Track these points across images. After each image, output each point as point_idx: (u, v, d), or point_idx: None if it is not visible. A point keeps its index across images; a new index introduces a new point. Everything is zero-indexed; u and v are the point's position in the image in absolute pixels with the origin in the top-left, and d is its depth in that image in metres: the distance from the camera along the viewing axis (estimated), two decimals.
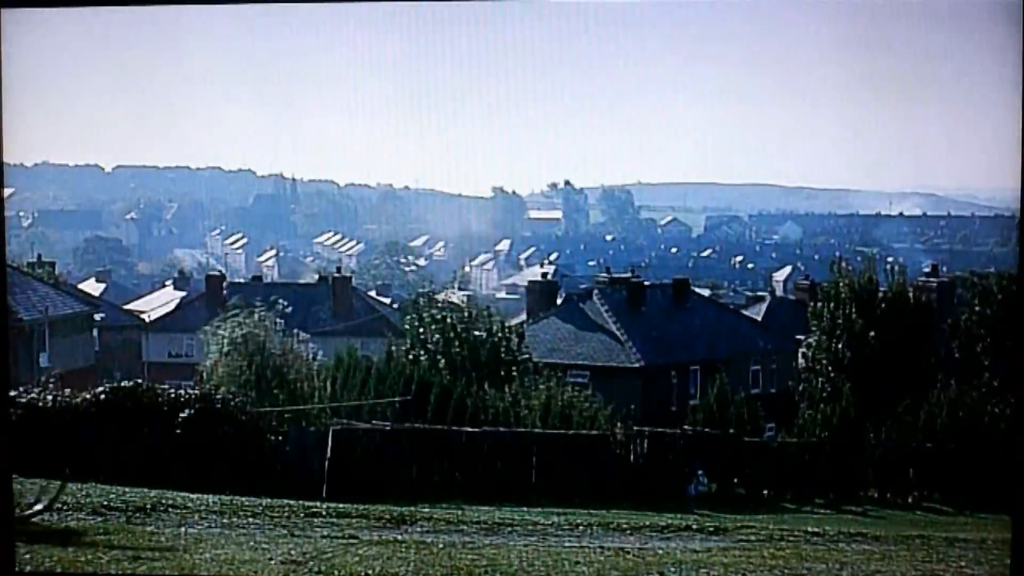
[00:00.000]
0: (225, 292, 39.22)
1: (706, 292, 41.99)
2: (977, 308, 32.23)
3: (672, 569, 10.69)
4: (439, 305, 35.92)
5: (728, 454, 25.59)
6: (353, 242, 47.45)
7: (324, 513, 13.23)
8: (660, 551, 11.78)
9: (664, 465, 24.48)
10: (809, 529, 13.74)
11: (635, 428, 25.93)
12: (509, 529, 14.01)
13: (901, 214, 47.20)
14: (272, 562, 10.71)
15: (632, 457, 24.71)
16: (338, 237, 47.69)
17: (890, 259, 39.73)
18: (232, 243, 51.83)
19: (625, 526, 14.34)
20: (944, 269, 37.14)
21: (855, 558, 11.34)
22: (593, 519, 14.94)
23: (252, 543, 11.35)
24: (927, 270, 36.02)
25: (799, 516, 22.05)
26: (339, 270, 41.98)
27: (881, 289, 32.07)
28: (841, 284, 32.16)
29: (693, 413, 29.94)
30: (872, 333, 31.23)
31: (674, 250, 46.98)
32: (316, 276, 42.72)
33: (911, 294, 32.53)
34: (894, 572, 10.24)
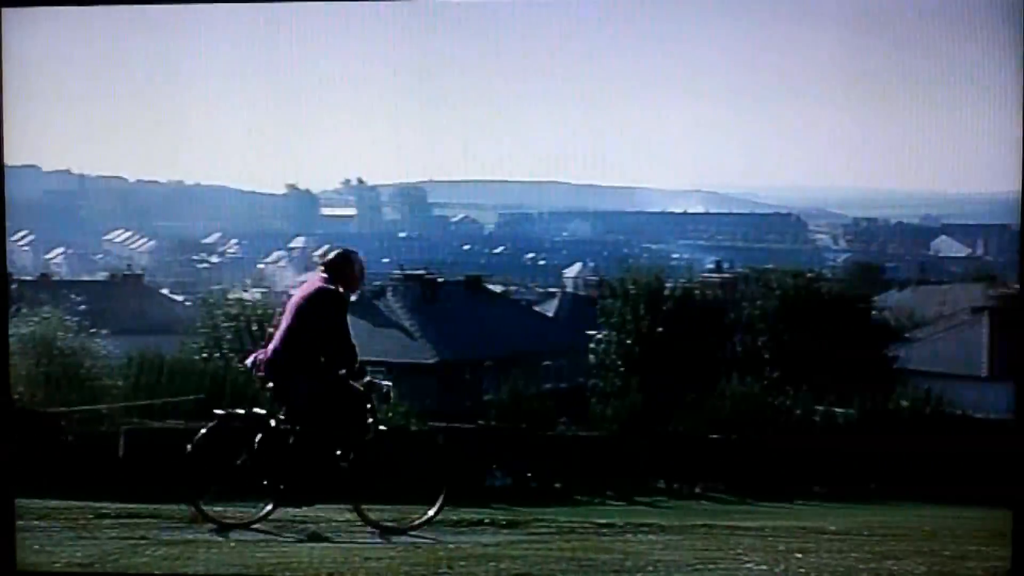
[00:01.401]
0: (12, 290, 38.27)
1: (499, 288, 42.46)
2: (759, 303, 33.52)
3: (462, 563, 10.92)
4: (233, 303, 35.67)
5: (522, 449, 26.14)
6: (144, 239, 46.65)
7: (114, 514, 13.02)
8: (452, 545, 11.99)
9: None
10: (599, 521, 14.15)
11: (430, 424, 26.26)
12: (302, 526, 14.08)
13: (686, 212, 48.36)
14: (56, 565, 10.65)
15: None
16: (129, 234, 46.82)
17: (676, 256, 40.92)
18: (18, 240, 50.55)
19: (418, 522, 14.48)
20: (727, 265, 38.27)
21: (640, 548, 11.76)
22: (386, 514, 15.05)
23: (36, 546, 11.22)
24: (711, 267, 37.08)
25: (591, 508, 22.56)
26: (130, 267, 41.35)
27: (667, 286, 32.95)
28: (629, 281, 32.94)
29: (487, 408, 30.41)
30: (660, 329, 32.07)
31: (467, 247, 47.36)
32: (107, 274, 41.94)
33: (696, 290, 33.55)
34: (676, 560, 10.70)
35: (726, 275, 36.37)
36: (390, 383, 12.09)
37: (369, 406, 11.66)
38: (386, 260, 43.35)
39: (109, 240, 48.00)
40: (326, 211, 48.89)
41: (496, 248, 48.53)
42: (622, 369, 32.28)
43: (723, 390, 28.47)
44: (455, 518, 15.18)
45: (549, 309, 41.53)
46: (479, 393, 34.83)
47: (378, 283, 39.87)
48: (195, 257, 45.71)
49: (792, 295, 33.34)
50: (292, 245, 46.86)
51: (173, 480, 12.01)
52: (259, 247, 45.45)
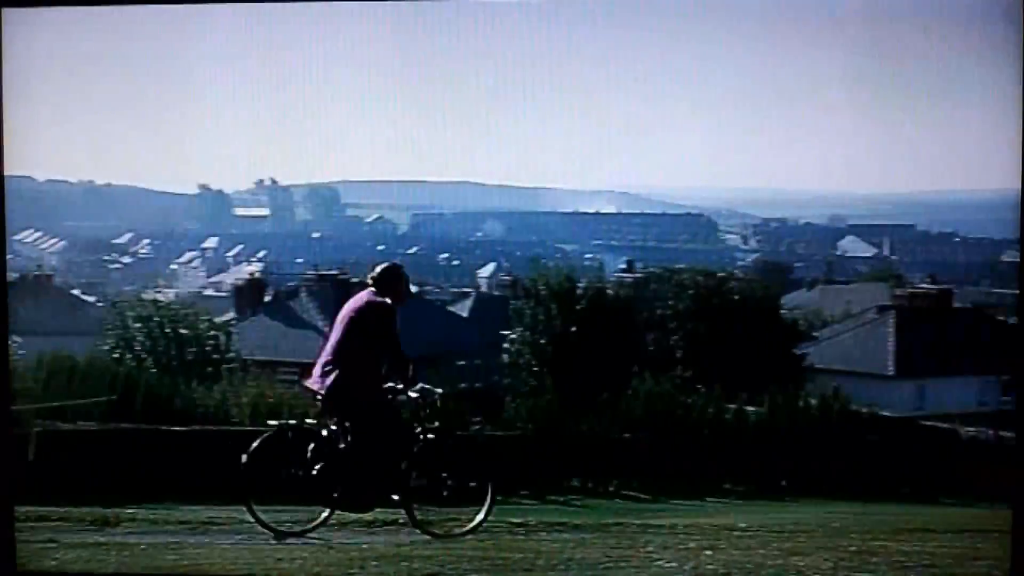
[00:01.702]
0: None
1: (413, 289, 42.41)
2: (671, 303, 33.86)
3: (375, 563, 11.03)
4: (145, 303, 35.45)
5: (437, 448, 26.21)
6: (55, 239, 46.15)
7: (22, 517, 12.95)
8: (365, 546, 12.11)
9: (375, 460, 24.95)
10: (512, 520, 14.31)
11: (345, 424, 26.27)
12: (216, 528, 14.10)
13: (598, 212, 48.65)
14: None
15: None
16: (39, 234, 46.31)
17: (588, 256, 41.18)
18: None
19: (333, 521, 14.58)
20: (639, 265, 38.56)
21: (552, 547, 11.93)
22: (300, 515, 15.13)
23: None
24: (623, 266, 37.34)
25: (505, 507, 22.60)
26: (40, 268, 40.92)
27: (580, 285, 33.16)
28: (542, 281, 33.11)
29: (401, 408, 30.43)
30: (573, 328, 32.28)
31: (381, 247, 47.29)
32: (16, 275, 41.45)
33: (608, 290, 33.79)
34: (587, 559, 10.88)
35: (638, 275, 36.64)
36: (440, 391, 12.96)
37: (420, 414, 12.60)
38: (300, 260, 43.29)
39: (18, 240, 47.48)
40: (239, 211, 48.64)
41: (410, 248, 48.52)
42: (536, 369, 32.46)
43: (636, 389, 28.71)
44: (369, 518, 15.28)
45: (463, 309, 41.63)
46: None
47: (292, 283, 39.81)
48: (106, 257, 45.35)
49: (703, 295, 33.72)
50: (205, 245, 46.61)
51: (228, 487, 12.37)
52: (171, 248, 45.18)
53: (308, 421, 12.48)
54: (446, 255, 47.95)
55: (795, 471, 26.62)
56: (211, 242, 46.70)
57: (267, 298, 39.32)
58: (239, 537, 12.74)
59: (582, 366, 31.45)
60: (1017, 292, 10.49)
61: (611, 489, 26.19)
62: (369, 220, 49.99)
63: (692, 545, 12.02)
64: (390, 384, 12.25)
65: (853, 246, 51.53)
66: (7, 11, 9.01)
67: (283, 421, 12.57)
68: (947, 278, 42.04)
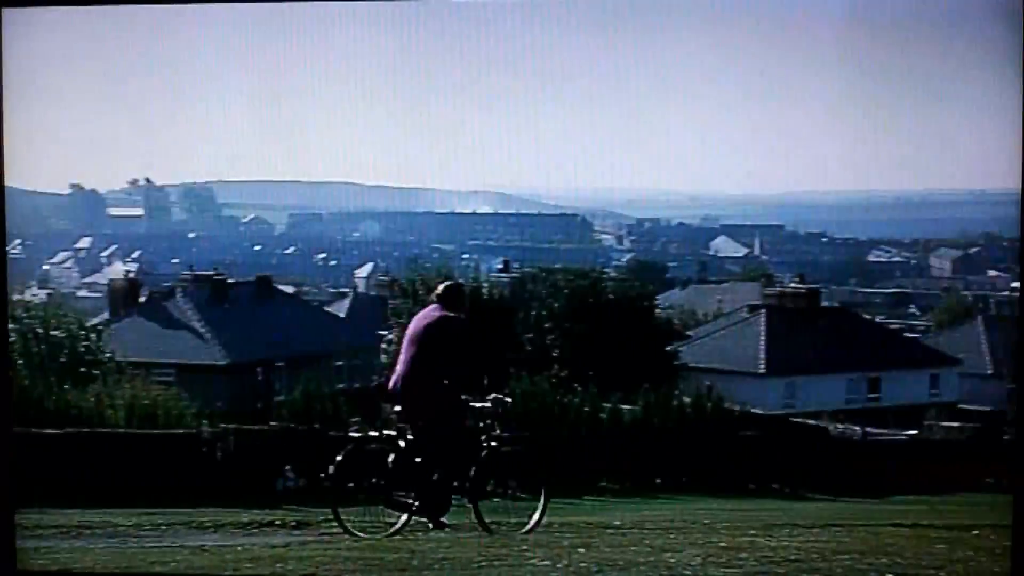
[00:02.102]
0: None
1: (290, 289, 42.36)
2: (547, 302, 34.16)
3: (248, 565, 11.07)
4: (16, 304, 34.91)
5: (315, 449, 26.22)
6: None
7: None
8: (240, 548, 12.16)
9: (252, 462, 24.93)
10: (389, 520, 14.40)
11: (222, 426, 26.21)
12: (89, 532, 14.04)
13: (475, 212, 48.87)
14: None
15: (219, 455, 25.06)
16: None
17: (465, 256, 41.38)
18: None
19: (208, 524, 14.59)
20: (516, 265, 38.82)
21: (427, 546, 12.00)
22: (177, 518, 15.14)
23: None
24: (500, 266, 37.53)
25: (383, 507, 22.74)
26: None
27: None
28: (419, 281, 33.19)
29: (279, 409, 30.39)
30: None
31: (257, 247, 47.09)
32: None
33: (485, 290, 33.95)
34: (462, 558, 11.02)
35: (514, 275, 36.88)
36: (510, 399, 13.24)
37: (488, 421, 12.99)
38: (175, 261, 42.94)
39: None
40: (113, 211, 48.08)
41: (287, 248, 48.39)
42: None
43: (512, 388, 28.90)
44: (245, 520, 15.30)
45: (340, 309, 41.61)
46: (270, 394, 34.76)
47: (167, 284, 39.47)
48: None
49: (578, 294, 34.04)
50: (78, 246, 46.02)
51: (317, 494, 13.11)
52: (44, 248, 44.55)
53: (385, 432, 12.88)
54: (323, 255, 47.87)
55: (669, 468, 27.04)
56: (84, 242, 46.14)
57: (142, 298, 38.96)
58: (112, 540, 12.75)
59: None
60: (1017, 292, 10.74)
61: (489, 488, 26.35)
62: (245, 220, 49.72)
63: (565, 543, 12.20)
64: (463, 394, 12.77)
65: (725, 246, 52.38)
66: (7, 11, 9.01)
67: (366, 433, 13.02)
68: (815, 277, 42.98)
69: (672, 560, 11.26)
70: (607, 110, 38.34)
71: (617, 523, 14.72)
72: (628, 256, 49.23)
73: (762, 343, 36.89)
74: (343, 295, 43.24)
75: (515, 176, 49.49)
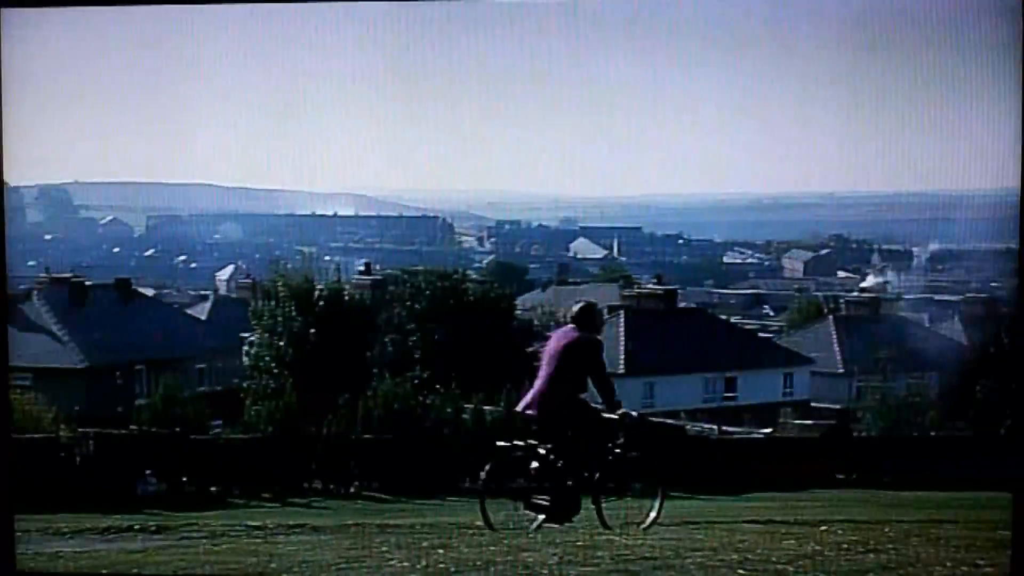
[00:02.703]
0: None
1: (150, 292, 41.88)
2: (408, 304, 34.27)
3: (104, 571, 11.09)
4: None
5: (176, 452, 26.09)
6: None
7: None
8: (98, 553, 12.16)
9: (112, 466, 24.73)
10: (251, 523, 14.47)
11: (80, 430, 25.96)
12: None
13: (336, 214, 48.74)
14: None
15: (78, 459, 24.81)
16: None
17: (327, 258, 41.25)
18: None
19: (66, 530, 14.53)
20: (377, 267, 38.84)
21: (288, 549, 12.12)
22: (33, 524, 15.01)
23: None
24: (361, 268, 37.52)
25: (246, 511, 22.71)
26: None
27: (318, 287, 33.21)
28: (280, 283, 33.08)
29: (140, 413, 30.13)
30: (312, 330, 32.35)
31: (116, 250, 46.44)
32: None
33: (347, 292, 33.93)
34: (321, 560, 11.15)
35: (376, 277, 36.89)
36: (636, 413, 14.69)
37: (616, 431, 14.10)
38: (32, 263, 42.19)
39: None
40: None
41: (146, 250, 47.80)
42: (275, 371, 32.41)
43: (375, 390, 28.99)
44: (104, 525, 15.24)
45: (201, 312, 41.27)
46: (131, 397, 34.41)
47: (23, 287, 38.81)
48: None
49: (440, 296, 34.19)
50: None
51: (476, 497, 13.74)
52: None
53: (527, 442, 13.91)
54: (183, 257, 47.38)
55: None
56: None
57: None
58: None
59: (321, 368, 31.55)
60: (1016, 292, 11.02)
61: (352, 490, 26.43)
62: (104, 222, 49.00)
63: (425, 544, 12.36)
64: (594, 407, 14.02)
65: (584, 248, 52.87)
66: (7, 11, 8.93)
67: (513, 442, 13.98)
68: (672, 278, 43.62)
69: (530, 559, 11.48)
70: (465, 112, 38.54)
71: (478, 523, 14.91)
72: (489, 258, 49.47)
73: (621, 344, 37.36)
74: (204, 297, 42.86)
75: (376, 178, 49.43)
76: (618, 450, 14.13)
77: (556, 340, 14.03)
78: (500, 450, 13.98)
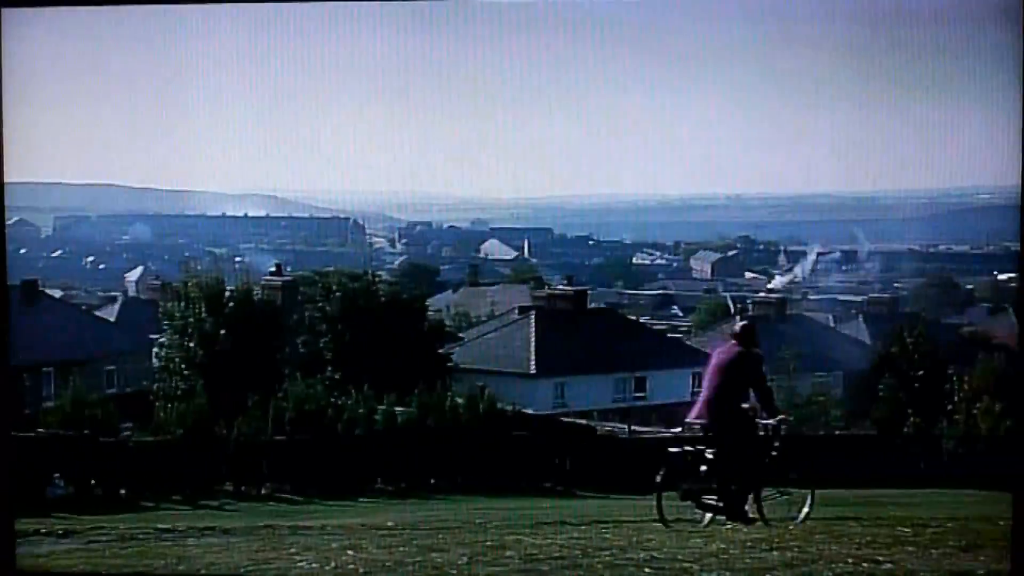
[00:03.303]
0: None
1: (58, 293, 41.45)
2: (319, 305, 34.18)
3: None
4: None
5: (85, 455, 25.84)
6: None
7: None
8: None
9: (19, 469, 24.48)
10: (161, 526, 14.42)
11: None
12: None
13: (246, 215, 48.53)
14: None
15: None
16: None
17: (238, 259, 41.02)
18: None
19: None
20: (289, 268, 38.70)
21: (197, 551, 12.12)
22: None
23: None
24: (272, 269, 37.35)
25: (157, 513, 22.59)
26: None
27: (229, 289, 32.95)
28: (190, 284, 32.80)
29: (47, 416, 29.77)
30: (222, 331, 32.13)
31: (23, 251, 45.89)
32: None
33: (258, 293, 33.70)
34: (230, 562, 11.16)
35: (287, 278, 36.72)
36: (792, 418, 16.68)
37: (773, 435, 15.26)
38: None
39: None
40: None
41: (54, 251, 47.31)
42: (186, 372, 32.16)
43: (286, 391, 28.89)
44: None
45: (110, 313, 40.92)
46: (38, 400, 34.00)
47: None
48: None
49: (351, 297, 34.10)
50: None
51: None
52: None
53: (697, 447, 15.13)
54: (92, 258, 46.95)
55: (444, 469, 27.39)
56: None
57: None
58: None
59: (232, 369, 31.38)
60: (1016, 292, 11.26)
61: (264, 492, 26.34)
62: (10, 223, 48.34)
63: (335, 545, 12.40)
64: (753, 414, 15.20)
65: (495, 249, 53.03)
66: (7, 11, 8.84)
67: (684, 448, 15.15)
68: (583, 279, 43.90)
69: (439, 560, 11.56)
70: (376, 113, 38.59)
71: (389, 524, 14.98)
72: (401, 259, 49.51)
73: (532, 344, 37.54)
74: (113, 299, 42.50)
75: (287, 179, 49.33)
76: (774, 452, 15.26)
77: (719, 355, 15.26)
78: (672, 455, 15.23)
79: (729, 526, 14.34)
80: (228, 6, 16.18)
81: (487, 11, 23.81)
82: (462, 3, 22.30)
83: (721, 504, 14.89)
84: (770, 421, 15.17)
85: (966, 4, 20.50)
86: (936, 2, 23.04)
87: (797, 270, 50.00)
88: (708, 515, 14.95)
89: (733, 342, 15.27)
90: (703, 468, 14.95)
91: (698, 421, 15.16)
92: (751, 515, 14.86)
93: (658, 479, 15.10)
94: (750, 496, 14.92)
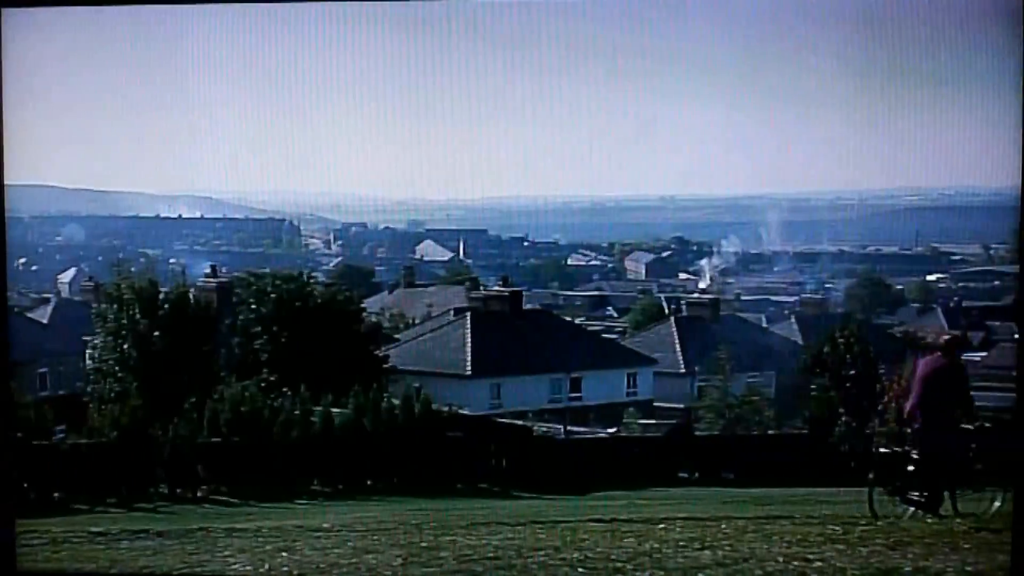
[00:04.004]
0: None
1: None
2: (254, 307, 34.05)
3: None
4: None
5: (15, 459, 25.62)
6: None
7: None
8: None
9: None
10: (94, 529, 14.37)
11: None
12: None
13: (181, 216, 48.27)
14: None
15: None
16: None
17: (172, 260, 40.82)
18: None
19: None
20: (224, 270, 38.55)
21: (130, 555, 12.10)
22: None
23: None
24: (207, 271, 37.15)
25: (90, 517, 22.42)
26: None
27: (163, 290, 32.75)
28: (123, 285, 32.56)
29: None
30: (156, 333, 31.93)
31: None
32: None
33: (192, 294, 33.51)
34: (163, 565, 11.16)
35: (222, 279, 36.57)
36: (989, 424, 16.62)
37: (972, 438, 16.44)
38: None
39: None
40: None
41: None
42: (120, 374, 31.95)
43: (222, 393, 28.76)
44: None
45: (43, 315, 40.58)
46: None
47: None
48: None
49: (287, 298, 34.01)
50: None
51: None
52: None
53: (904, 448, 16.58)
54: (23, 260, 46.52)
55: (380, 470, 27.41)
56: None
57: None
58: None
59: (167, 371, 31.20)
60: (1016, 291, 11.52)
61: (199, 494, 26.24)
62: None
63: (269, 547, 12.41)
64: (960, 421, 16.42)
65: (431, 250, 53.07)
66: (7, 11, 8.78)
67: (901, 448, 16.57)
68: (518, 280, 44.02)
69: (373, 561, 11.61)
70: (311, 114, 38.51)
71: (325, 526, 14.99)
72: (336, 260, 49.44)
73: (468, 345, 37.61)
74: (45, 300, 42.15)
75: (222, 180, 49.08)
76: (971, 454, 16.38)
77: (926, 366, 16.44)
78: (882, 456, 16.69)
79: (663, 527, 14.42)
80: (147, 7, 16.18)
81: (426, 13, 23.88)
82: (398, 6, 22.35)
83: (924, 500, 16.11)
84: (970, 426, 16.36)
85: (966, 4, 20.67)
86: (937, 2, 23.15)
87: (730, 271, 50.39)
88: (911, 509, 16.10)
89: (939, 354, 16.55)
90: (909, 467, 16.28)
91: (915, 426, 16.47)
92: (942, 512, 15.96)
93: (871, 476, 16.38)
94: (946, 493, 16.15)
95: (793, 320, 43.15)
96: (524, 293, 41.86)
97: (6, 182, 9.54)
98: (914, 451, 16.47)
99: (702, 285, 48.96)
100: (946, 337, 17.75)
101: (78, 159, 40.59)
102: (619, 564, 11.70)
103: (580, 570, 11.47)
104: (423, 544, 12.64)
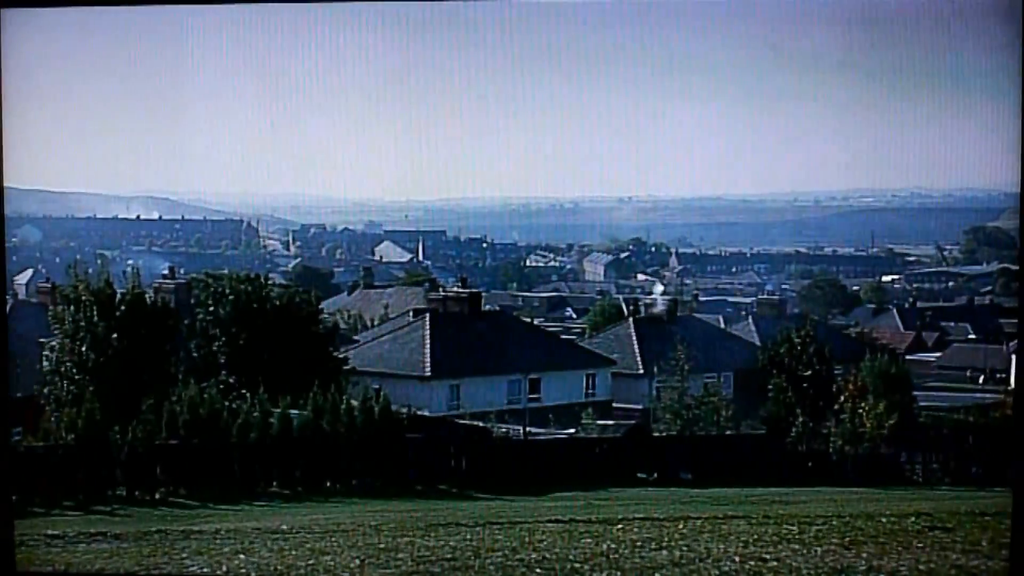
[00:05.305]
0: None
1: None
2: (212, 308, 33.91)
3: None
4: None
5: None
6: None
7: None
8: None
9: None
10: (50, 532, 14.34)
11: None
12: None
13: (138, 217, 48.06)
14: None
15: None
16: None
17: (130, 261, 40.58)
18: None
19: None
20: (181, 271, 38.41)
21: (87, 557, 12.11)
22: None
23: None
24: (165, 272, 37.00)
25: (46, 519, 22.32)
26: None
27: (120, 291, 32.56)
28: (80, 287, 32.36)
29: None
30: (114, 335, 31.74)
31: None
32: None
33: (150, 296, 33.33)
34: (119, 567, 11.17)
35: (180, 280, 36.44)
36: None
37: None
38: None
39: None
40: None
41: None
42: (77, 376, 31.73)
43: (180, 395, 28.65)
44: None
45: None
46: None
47: None
48: None
49: (245, 300, 33.87)
50: None
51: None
52: None
53: None
54: None
55: (340, 471, 27.39)
56: None
57: None
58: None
59: (125, 373, 31.02)
60: (1017, 291, 11.59)
61: (157, 497, 26.15)
62: None
63: (227, 550, 12.44)
64: None
65: (389, 251, 53.06)
66: (7, 11, 8.73)
67: None
68: (476, 282, 44.07)
69: (331, 563, 11.65)
70: (268, 114, 38.41)
71: (283, 528, 15.00)
72: (295, 261, 49.35)
73: (427, 346, 37.62)
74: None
75: (179, 181, 48.94)
76: None
77: None
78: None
79: (620, 527, 14.48)
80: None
81: (386, 16, 23.91)
82: (360, 8, 22.38)
83: None
84: None
85: (966, 4, 20.77)
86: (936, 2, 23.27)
87: (687, 272, 50.62)
88: None
89: None
90: None
91: None
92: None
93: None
94: None
95: (750, 321, 43.38)
96: (483, 294, 41.90)
97: (6, 183, 9.53)
98: None
99: (659, 287, 49.09)
100: None
101: (77, 159, 40.43)
102: (576, 565, 11.76)
103: (537, 571, 11.53)
104: (381, 546, 12.68)
